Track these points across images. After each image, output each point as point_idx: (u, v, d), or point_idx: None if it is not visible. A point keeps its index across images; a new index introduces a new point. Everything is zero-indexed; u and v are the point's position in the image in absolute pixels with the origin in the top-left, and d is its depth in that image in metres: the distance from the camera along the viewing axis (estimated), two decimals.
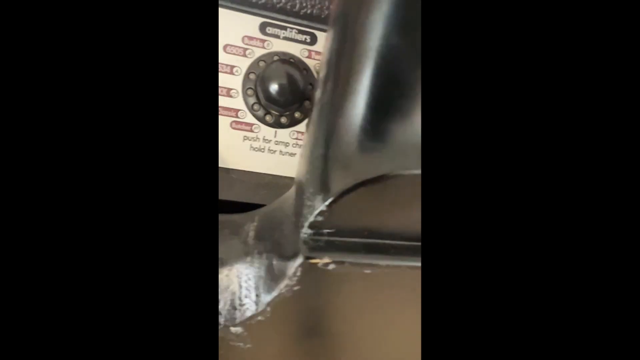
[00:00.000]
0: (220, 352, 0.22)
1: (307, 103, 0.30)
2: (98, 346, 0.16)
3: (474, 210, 0.15)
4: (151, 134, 0.16)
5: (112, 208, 0.16)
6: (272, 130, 0.30)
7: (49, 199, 0.16)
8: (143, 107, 0.16)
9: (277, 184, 0.30)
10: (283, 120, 0.30)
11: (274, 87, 0.26)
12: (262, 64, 0.29)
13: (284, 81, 0.26)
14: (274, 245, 0.21)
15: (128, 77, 0.15)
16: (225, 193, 0.28)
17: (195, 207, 0.16)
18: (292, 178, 0.31)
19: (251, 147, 0.30)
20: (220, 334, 0.21)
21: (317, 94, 0.19)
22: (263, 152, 0.30)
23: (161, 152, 0.16)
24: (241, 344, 0.22)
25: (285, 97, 0.27)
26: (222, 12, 0.28)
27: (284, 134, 0.30)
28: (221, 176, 0.29)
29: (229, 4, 0.28)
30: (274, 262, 0.20)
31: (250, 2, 0.28)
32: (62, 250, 0.16)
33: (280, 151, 0.30)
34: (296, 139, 0.30)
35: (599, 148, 0.15)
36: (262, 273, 0.21)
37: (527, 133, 0.15)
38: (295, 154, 0.30)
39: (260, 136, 0.30)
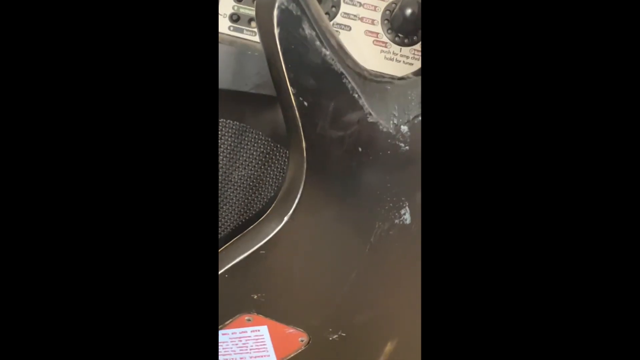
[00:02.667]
0: (387, 152, 0.37)
1: (420, 32, 0.46)
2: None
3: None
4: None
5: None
6: (399, 47, 0.46)
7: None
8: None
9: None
10: (406, 41, 0.46)
11: (408, 11, 0.43)
12: (393, 5, 0.45)
13: (416, 7, 0.42)
14: None
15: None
16: None
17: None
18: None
19: (384, 57, 0.46)
20: (390, 133, 0.36)
21: None
22: (392, 61, 0.46)
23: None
24: (402, 145, 0.37)
25: (415, 19, 0.43)
26: None
27: (406, 50, 0.46)
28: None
29: None
30: None
31: None
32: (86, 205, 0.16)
33: (403, 61, 0.46)
34: (413, 54, 0.46)
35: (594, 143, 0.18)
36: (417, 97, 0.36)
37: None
38: (413, 64, 0.46)
39: (391, 51, 0.46)
